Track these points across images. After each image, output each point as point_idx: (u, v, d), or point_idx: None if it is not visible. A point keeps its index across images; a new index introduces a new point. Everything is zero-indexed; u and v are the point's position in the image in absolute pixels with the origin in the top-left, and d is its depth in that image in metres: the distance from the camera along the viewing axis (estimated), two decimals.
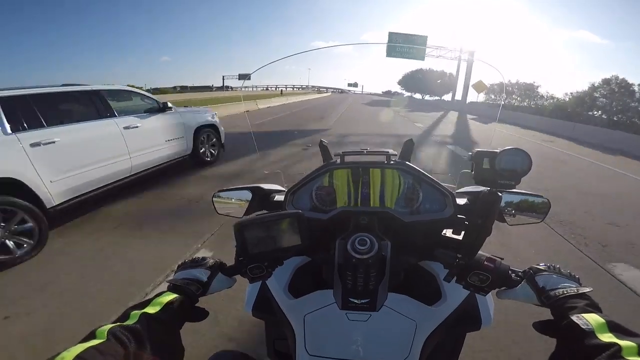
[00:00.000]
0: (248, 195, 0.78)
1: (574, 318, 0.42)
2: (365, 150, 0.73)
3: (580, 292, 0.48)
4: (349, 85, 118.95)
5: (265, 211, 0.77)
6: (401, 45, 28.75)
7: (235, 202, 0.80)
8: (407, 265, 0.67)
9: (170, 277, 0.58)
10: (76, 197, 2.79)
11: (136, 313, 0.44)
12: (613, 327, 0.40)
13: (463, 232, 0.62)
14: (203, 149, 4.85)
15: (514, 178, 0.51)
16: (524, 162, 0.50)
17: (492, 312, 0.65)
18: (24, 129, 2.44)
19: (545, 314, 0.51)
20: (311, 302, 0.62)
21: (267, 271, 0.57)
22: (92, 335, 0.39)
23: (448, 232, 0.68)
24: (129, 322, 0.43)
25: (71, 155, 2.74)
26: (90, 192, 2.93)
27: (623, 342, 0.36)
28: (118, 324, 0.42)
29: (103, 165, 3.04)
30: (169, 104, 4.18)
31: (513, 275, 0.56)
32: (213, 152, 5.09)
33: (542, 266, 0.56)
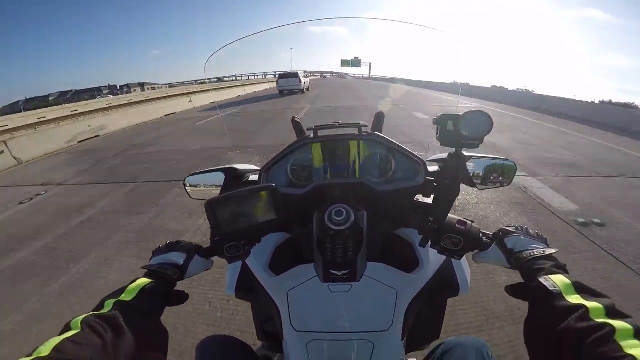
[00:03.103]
0: (221, 177, 0.78)
1: (542, 280, 0.44)
2: (337, 124, 0.73)
3: (546, 253, 0.50)
4: (343, 63, 68.49)
5: None
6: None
7: (208, 186, 0.80)
8: (385, 234, 0.69)
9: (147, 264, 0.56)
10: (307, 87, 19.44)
11: (110, 302, 0.44)
12: (579, 288, 0.41)
13: (433, 196, 0.64)
14: (308, 88, 20.98)
15: (477, 138, 0.53)
16: (486, 122, 0.52)
17: (469, 278, 0.68)
18: (305, 77, 19.33)
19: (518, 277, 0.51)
20: (293, 278, 0.63)
21: (244, 250, 0.56)
22: (67, 328, 0.39)
23: (420, 198, 0.70)
24: (104, 311, 0.43)
25: (309, 81, 19.53)
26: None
27: (590, 304, 0.38)
28: (92, 313, 0.42)
29: (306, 84, 19.47)
30: (304, 75, 20.37)
31: (484, 238, 0.57)
32: (308, 89, 21.03)
33: (511, 228, 0.58)
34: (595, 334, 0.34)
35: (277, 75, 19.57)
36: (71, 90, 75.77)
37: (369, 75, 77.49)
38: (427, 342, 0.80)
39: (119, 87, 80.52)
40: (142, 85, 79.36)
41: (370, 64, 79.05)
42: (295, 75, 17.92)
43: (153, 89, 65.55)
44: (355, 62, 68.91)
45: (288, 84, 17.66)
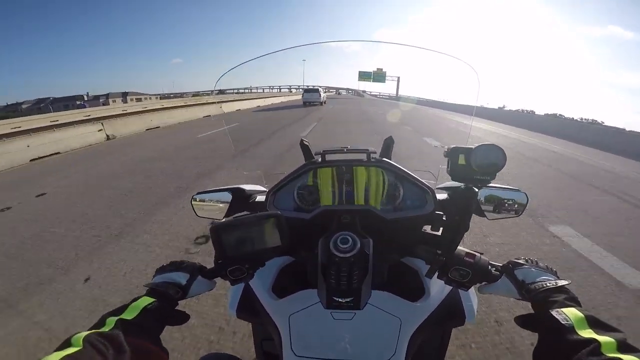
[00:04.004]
0: (228, 196, 0.78)
1: (554, 313, 0.43)
2: (345, 149, 0.73)
3: (559, 285, 0.49)
4: (361, 76, 50.25)
5: (246, 212, 0.76)
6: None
7: (215, 205, 0.80)
8: (390, 263, 0.68)
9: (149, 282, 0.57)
10: (324, 100, 22.62)
11: (112, 319, 0.44)
12: (592, 322, 0.40)
13: (442, 228, 0.62)
14: (325, 101, 22.87)
15: (489, 173, 0.52)
16: (499, 157, 0.50)
17: (475, 307, 0.67)
18: (324, 92, 21.95)
19: (527, 307, 0.51)
20: (296, 302, 0.63)
21: (247, 273, 0.56)
22: (67, 344, 0.38)
23: (428, 228, 0.67)
24: (105, 329, 0.42)
25: (326, 95, 21.96)
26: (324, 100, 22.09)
27: (602, 338, 0.37)
28: (94, 331, 0.41)
29: (324, 98, 21.99)
30: (323, 90, 22.59)
31: (493, 269, 0.56)
32: (325, 102, 22.94)
33: (520, 260, 0.57)
34: None
35: (291, 89, 23.80)
36: (49, 98, 71.06)
37: (397, 94, 52.57)
38: None
39: (86, 98, 64.55)
40: (124, 95, 66.15)
41: (398, 78, 55.43)
42: (316, 90, 23.02)
43: (139, 100, 55.80)
44: (379, 76, 48.79)
45: (311, 97, 22.39)
